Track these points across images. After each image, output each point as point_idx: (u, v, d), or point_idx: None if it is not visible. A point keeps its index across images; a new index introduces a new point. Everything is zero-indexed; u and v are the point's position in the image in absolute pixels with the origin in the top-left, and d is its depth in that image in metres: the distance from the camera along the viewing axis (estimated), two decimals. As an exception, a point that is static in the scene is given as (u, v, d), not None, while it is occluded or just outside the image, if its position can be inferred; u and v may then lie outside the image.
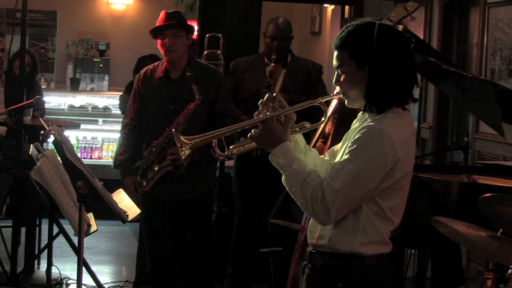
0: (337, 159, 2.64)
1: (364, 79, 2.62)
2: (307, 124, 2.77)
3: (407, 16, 3.94)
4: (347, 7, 7.87)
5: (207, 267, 4.85)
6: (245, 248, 5.42)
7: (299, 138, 2.78)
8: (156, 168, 4.44)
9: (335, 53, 2.67)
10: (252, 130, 2.66)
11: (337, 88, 2.71)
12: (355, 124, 2.71)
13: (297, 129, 2.75)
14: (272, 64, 5.27)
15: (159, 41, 4.49)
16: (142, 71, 4.69)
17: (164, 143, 4.43)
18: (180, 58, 4.50)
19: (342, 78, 2.66)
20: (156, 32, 4.49)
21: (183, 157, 2.71)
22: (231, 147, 2.72)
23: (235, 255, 5.51)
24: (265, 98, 2.69)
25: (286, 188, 2.63)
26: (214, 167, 4.88)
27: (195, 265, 4.64)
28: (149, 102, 4.55)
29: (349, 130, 2.73)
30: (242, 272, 5.51)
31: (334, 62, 2.68)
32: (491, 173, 4.68)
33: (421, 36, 7.08)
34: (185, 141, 2.70)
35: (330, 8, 9.22)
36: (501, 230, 3.30)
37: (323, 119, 2.77)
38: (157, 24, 4.50)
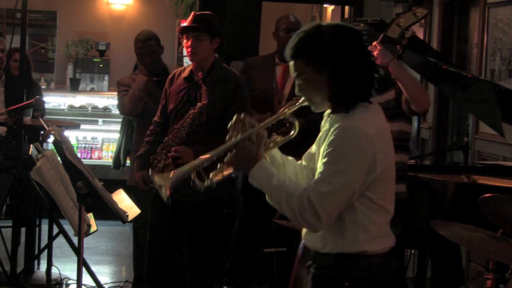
0: (319, 163, 2.63)
1: (324, 82, 2.61)
2: (279, 138, 2.77)
3: (417, 22, 3.94)
4: (347, 7, 7.85)
5: (207, 269, 4.84)
6: (245, 247, 5.42)
7: (275, 152, 2.79)
8: (160, 165, 4.47)
9: (291, 63, 2.66)
10: (228, 155, 2.67)
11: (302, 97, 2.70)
12: (325, 126, 2.71)
13: (271, 144, 2.76)
14: (283, 64, 5.28)
15: (184, 41, 4.52)
16: (174, 71, 4.74)
17: (172, 141, 4.45)
18: (203, 61, 4.51)
19: (303, 86, 2.66)
20: (182, 32, 4.53)
21: (165, 198, 2.74)
22: (210, 175, 2.72)
23: (234, 254, 5.50)
24: (233, 120, 2.69)
25: (273, 205, 2.64)
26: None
27: (195, 267, 4.64)
28: (171, 101, 4.58)
29: (321, 133, 2.73)
30: (240, 271, 5.50)
31: (292, 73, 2.67)
32: (491, 173, 4.68)
33: (421, 36, 7.09)
34: (162, 181, 2.71)
35: (330, 8, 9.22)
36: (501, 230, 3.31)
37: (292, 132, 2.75)
38: (186, 24, 4.54)
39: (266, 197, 2.64)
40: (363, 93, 2.63)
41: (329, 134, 2.59)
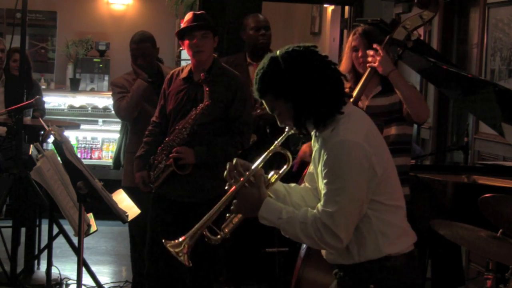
0: (321, 185, 2.67)
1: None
2: (276, 174, 2.80)
3: (423, 25, 3.93)
4: (347, 7, 7.86)
5: (207, 269, 4.83)
6: (243, 247, 5.41)
7: (276, 185, 2.82)
8: (161, 166, 4.46)
9: (263, 102, 2.71)
10: (233, 204, 2.72)
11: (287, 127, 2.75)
12: (315, 146, 2.75)
13: (271, 181, 2.79)
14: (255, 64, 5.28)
15: (186, 42, 4.48)
16: (172, 71, 4.72)
17: (173, 141, 4.45)
18: (206, 60, 4.50)
19: (281, 119, 2.71)
20: (184, 33, 4.50)
21: (186, 263, 2.78)
22: (222, 227, 2.76)
23: (229, 254, 5.50)
24: (227, 168, 2.72)
25: (290, 238, 2.68)
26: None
27: (195, 267, 4.63)
28: (170, 101, 4.57)
29: (314, 153, 2.76)
30: (240, 271, 5.50)
31: (268, 110, 2.71)
32: (491, 173, 4.68)
33: (421, 36, 7.08)
34: (177, 248, 2.78)
35: (330, 8, 9.22)
36: (501, 230, 3.30)
37: (285, 167, 2.80)
38: (184, 25, 4.51)
39: (282, 232, 2.69)
40: (336, 105, 2.65)
41: (322, 154, 2.64)
